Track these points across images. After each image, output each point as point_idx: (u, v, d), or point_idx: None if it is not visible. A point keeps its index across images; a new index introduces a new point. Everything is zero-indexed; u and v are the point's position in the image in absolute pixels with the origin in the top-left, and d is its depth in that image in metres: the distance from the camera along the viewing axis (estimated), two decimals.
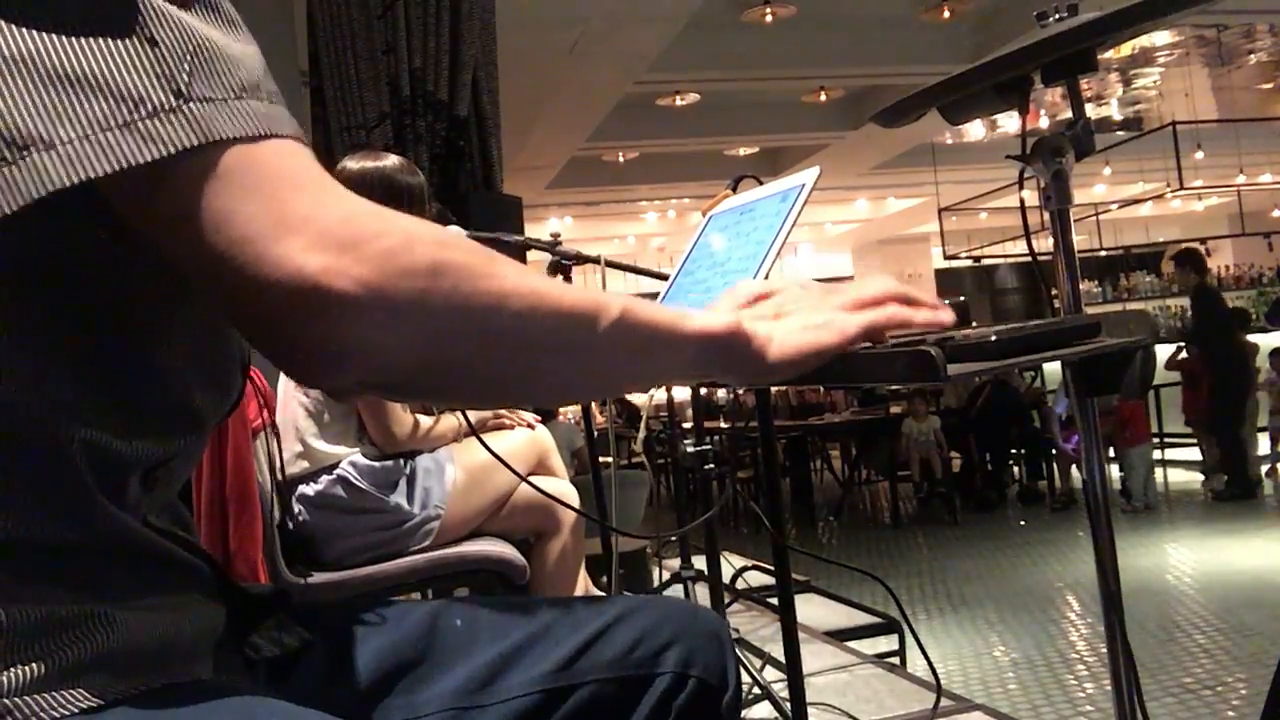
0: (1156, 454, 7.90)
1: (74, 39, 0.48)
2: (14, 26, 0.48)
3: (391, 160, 1.96)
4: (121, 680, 0.53)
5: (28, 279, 0.53)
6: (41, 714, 0.49)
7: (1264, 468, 7.46)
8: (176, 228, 0.49)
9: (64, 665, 0.51)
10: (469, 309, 0.53)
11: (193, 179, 0.49)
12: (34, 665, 0.50)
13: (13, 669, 0.50)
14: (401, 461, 1.92)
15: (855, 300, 0.72)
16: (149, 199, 0.49)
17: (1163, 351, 7.41)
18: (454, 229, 2.13)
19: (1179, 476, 7.95)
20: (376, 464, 1.89)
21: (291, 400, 1.92)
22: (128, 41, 0.48)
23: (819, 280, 0.81)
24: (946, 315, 0.73)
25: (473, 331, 0.54)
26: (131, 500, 0.58)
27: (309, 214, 0.50)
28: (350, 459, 1.88)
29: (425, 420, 1.97)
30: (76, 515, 0.54)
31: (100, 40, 0.48)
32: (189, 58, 0.50)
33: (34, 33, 0.48)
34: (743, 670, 2.14)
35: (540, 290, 0.56)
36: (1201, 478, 7.33)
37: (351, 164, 1.94)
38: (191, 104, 0.49)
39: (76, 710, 0.50)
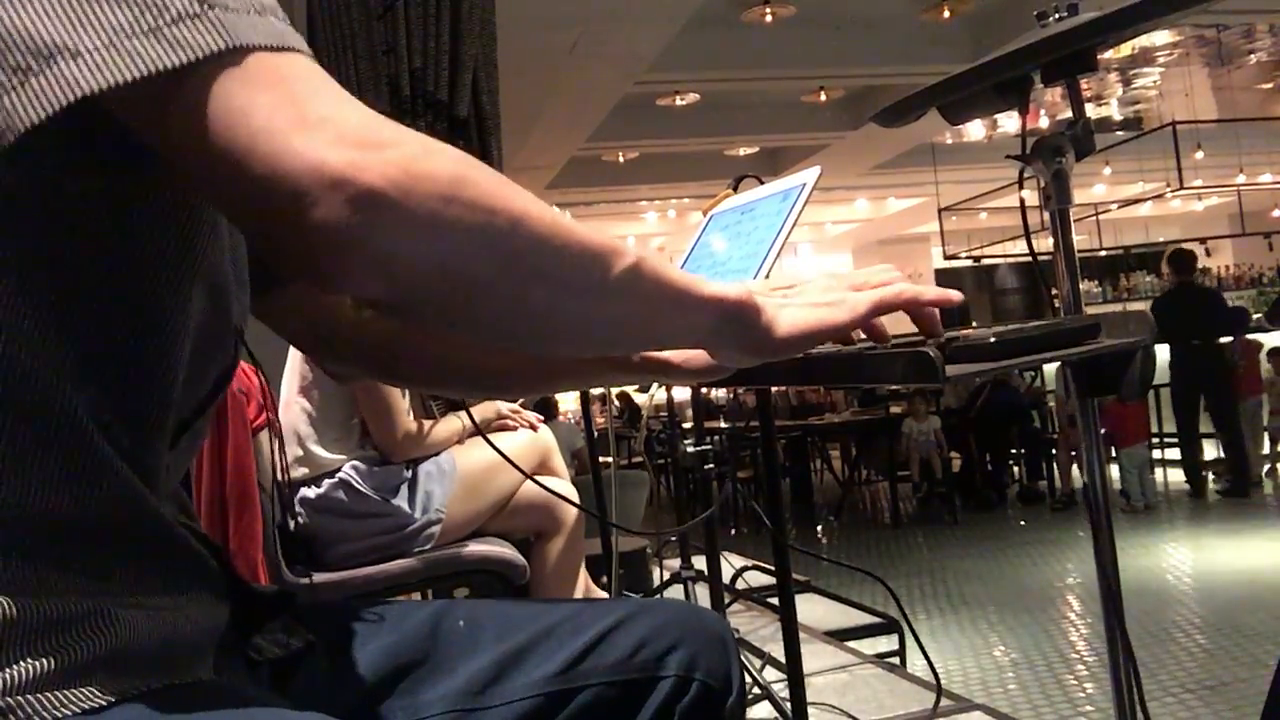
0: (1156, 454, 7.90)
1: None
2: None
3: None
4: (124, 679, 0.53)
5: (26, 243, 0.53)
6: (44, 713, 0.49)
7: (1264, 468, 7.46)
8: (195, 131, 0.48)
9: (68, 663, 0.51)
10: (490, 223, 0.52)
11: (216, 82, 0.48)
12: (40, 662, 0.50)
13: (16, 665, 0.50)
14: (403, 465, 1.92)
15: (864, 282, 0.72)
16: (169, 105, 0.49)
17: (1163, 352, 7.42)
18: None
19: (1179, 476, 7.95)
20: (378, 467, 1.89)
21: (293, 405, 1.92)
22: None
23: None
24: (955, 294, 0.73)
25: (492, 246, 0.53)
26: (151, 473, 0.58)
27: (330, 113, 0.49)
28: (352, 463, 1.88)
29: (427, 424, 1.97)
30: (96, 487, 0.54)
31: None
32: None
33: None
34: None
35: (559, 221, 0.56)
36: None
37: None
38: (215, 10, 0.49)
39: (78, 710, 0.50)
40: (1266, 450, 7.60)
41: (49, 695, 0.50)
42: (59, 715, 0.50)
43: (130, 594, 0.55)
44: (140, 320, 0.57)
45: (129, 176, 0.55)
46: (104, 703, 0.51)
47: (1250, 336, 7.58)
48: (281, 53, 0.50)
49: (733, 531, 7.31)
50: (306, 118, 0.48)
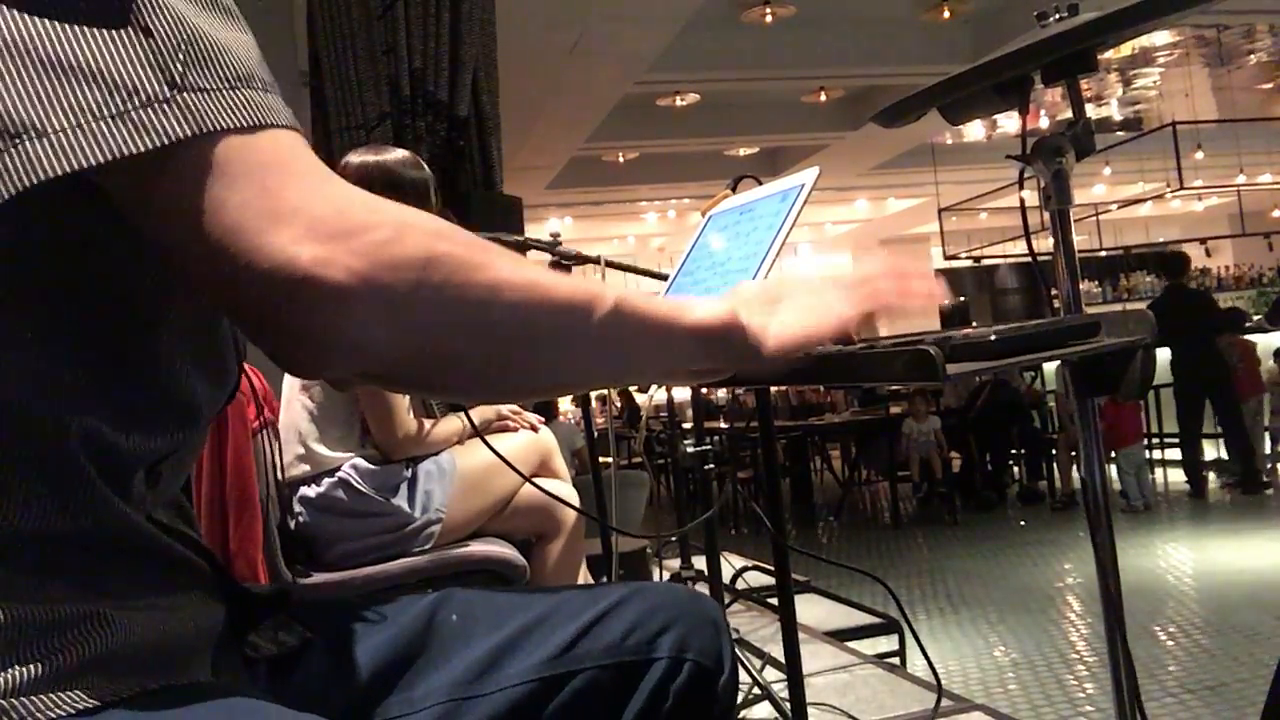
0: (1156, 454, 7.90)
1: (68, 27, 0.48)
2: (9, 12, 0.47)
3: (395, 154, 1.94)
4: (118, 681, 0.53)
5: (24, 268, 0.53)
6: (37, 714, 0.49)
7: (1265, 467, 7.46)
8: (170, 217, 0.49)
9: (62, 666, 0.51)
10: (462, 301, 0.53)
11: (186, 169, 0.48)
12: (32, 666, 0.50)
13: (11, 669, 0.50)
14: (403, 464, 1.91)
15: (851, 283, 0.72)
16: (143, 188, 0.49)
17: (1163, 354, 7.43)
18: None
19: (1178, 476, 7.95)
20: (378, 467, 1.89)
21: (294, 403, 1.92)
22: (122, 31, 0.48)
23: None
24: (941, 289, 0.74)
25: (466, 323, 0.53)
26: (136, 495, 0.58)
27: (301, 204, 0.49)
28: (352, 462, 1.88)
29: (428, 423, 1.96)
30: (81, 507, 0.54)
31: (95, 29, 0.48)
32: (184, 48, 0.50)
33: (29, 19, 0.47)
34: (742, 670, 2.14)
35: (534, 281, 0.56)
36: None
37: (354, 158, 1.93)
38: (185, 94, 0.49)
39: (72, 711, 0.50)
40: (1268, 450, 7.60)
41: (42, 698, 0.50)
42: (52, 717, 0.50)
43: (123, 598, 0.55)
44: (138, 345, 0.57)
45: (118, 226, 0.54)
46: (97, 704, 0.51)
47: (1246, 337, 7.58)
48: (258, 132, 0.50)
49: (733, 531, 7.31)
50: (278, 211, 0.49)
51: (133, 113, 0.47)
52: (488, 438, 2.01)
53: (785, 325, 0.68)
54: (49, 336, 0.53)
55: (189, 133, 0.48)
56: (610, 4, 5.43)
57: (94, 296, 0.55)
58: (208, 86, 0.49)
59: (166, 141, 0.48)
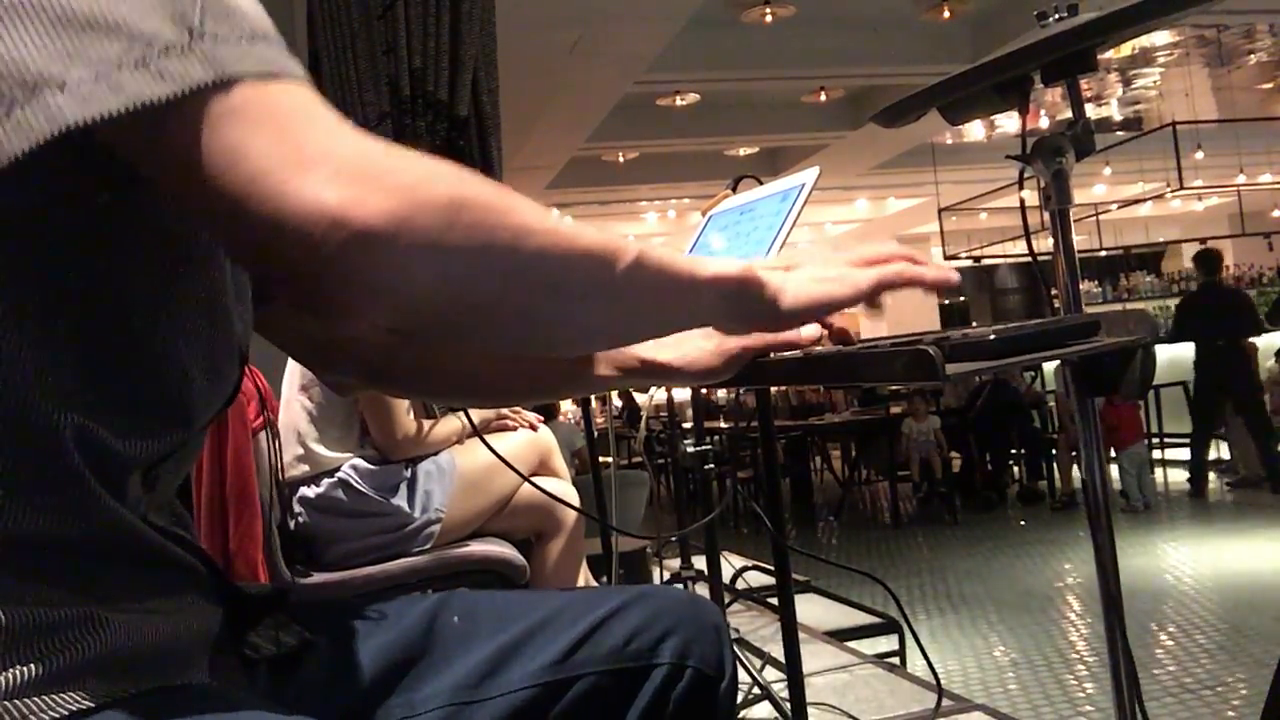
0: (1156, 454, 7.90)
1: None
2: None
3: None
4: (113, 683, 0.53)
5: (21, 263, 0.52)
6: (30, 717, 0.49)
7: None
8: (189, 168, 0.48)
9: (57, 668, 0.51)
10: (492, 243, 0.52)
11: (206, 116, 0.48)
12: (28, 667, 0.50)
13: (6, 671, 0.50)
14: (403, 464, 1.91)
15: (864, 258, 0.72)
16: (161, 139, 0.48)
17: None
18: None
19: (1178, 476, 7.95)
20: (377, 467, 1.89)
21: (294, 403, 1.92)
22: None
23: None
24: (954, 275, 0.74)
25: (496, 266, 0.53)
26: (132, 497, 0.58)
27: (326, 148, 0.49)
28: (351, 462, 1.88)
29: (427, 424, 1.96)
30: (76, 510, 0.54)
31: None
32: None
33: None
34: (742, 670, 2.14)
35: (560, 229, 0.56)
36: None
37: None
38: (204, 42, 0.48)
39: (66, 713, 0.50)
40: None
41: (37, 700, 0.50)
42: (49, 718, 0.50)
43: (118, 600, 0.55)
44: (135, 345, 0.57)
45: (124, 203, 0.54)
46: (92, 705, 0.51)
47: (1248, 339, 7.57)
48: (273, 81, 0.50)
49: (733, 531, 7.31)
50: (302, 155, 0.48)
51: (151, 61, 0.47)
52: (487, 437, 2.01)
53: (802, 285, 0.68)
54: (45, 337, 0.53)
55: (210, 79, 0.48)
56: (610, 4, 5.43)
57: (91, 297, 0.55)
58: (226, 35, 0.49)
59: (188, 88, 0.47)
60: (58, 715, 0.50)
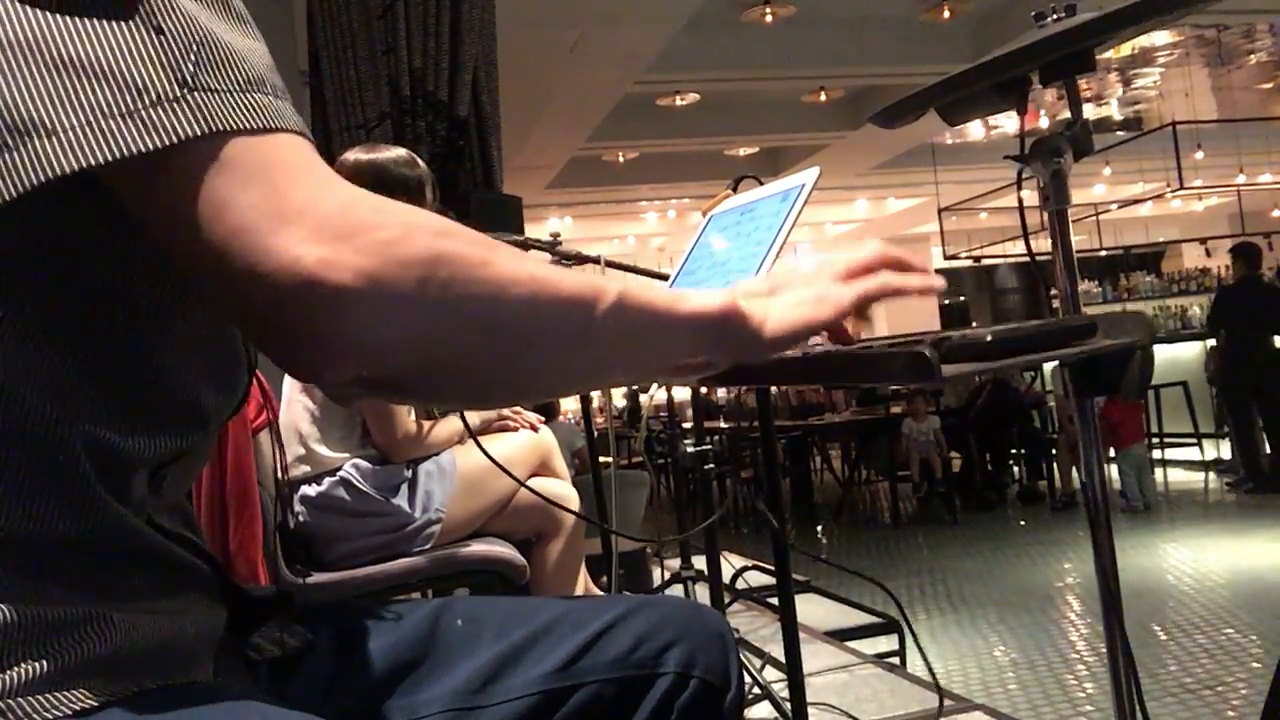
0: (1156, 454, 7.90)
1: (80, 24, 0.48)
2: (20, 10, 0.47)
3: (389, 152, 1.94)
4: (118, 682, 0.53)
5: (29, 271, 0.53)
6: (34, 715, 0.49)
7: None
8: (176, 218, 0.49)
9: (62, 667, 0.51)
10: (469, 298, 0.53)
11: (194, 169, 0.48)
12: (33, 665, 0.50)
13: (13, 669, 0.50)
14: (403, 464, 1.92)
15: (848, 270, 0.72)
16: (150, 187, 0.49)
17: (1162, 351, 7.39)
18: None
19: (1178, 476, 7.95)
20: (378, 466, 1.89)
21: (295, 403, 1.92)
22: (133, 30, 0.48)
23: None
24: (938, 282, 0.74)
25: (472, 321, 0.53)
26: (136, 498, 0.58)
27: (306, 205, 0.49)
28: (353, 461, 1.88)
29: (428, 425, 1.96)
30: (79, 511, 0.54)
31: (106, 26, 0.48)
32: (194, 48, 0.50)
33: (40, 16, 0.47)
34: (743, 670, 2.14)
35: (539, 277, 0.56)
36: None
37: (349, 156, 1.93)
38: (196, 94, 0.49)
39: (70, 712, 0.50)
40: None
41: (42, 698, 0.50)
42: (51, 716, 0.50)
43: (122, 600, 0.55)
44: (142, 353, 0.57)
45: (125, 229, 0.54)
46: (96, 704, 0.51)
47: None
48: (265, 135, 0.50)
49: (733, 531, 7.31)
50: (285, 211, 0.49)
51: (142, 111, 0.47)
52: (489, 437, 2.01)
53: (784, 313, 0.68)
54: (52, 339, 0.53)
55: (198, 132, 0.48)
56: (610, 4, 5.43)
57: (99, 302, 0.55)
58: (218, 87, 0.49)
59: (175, 140, 0.48)
60: (62, 714, 0.50)
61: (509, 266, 0.55)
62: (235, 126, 0.49)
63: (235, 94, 0.50)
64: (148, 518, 0.60)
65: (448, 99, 3.52)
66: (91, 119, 0.47)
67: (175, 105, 0.48)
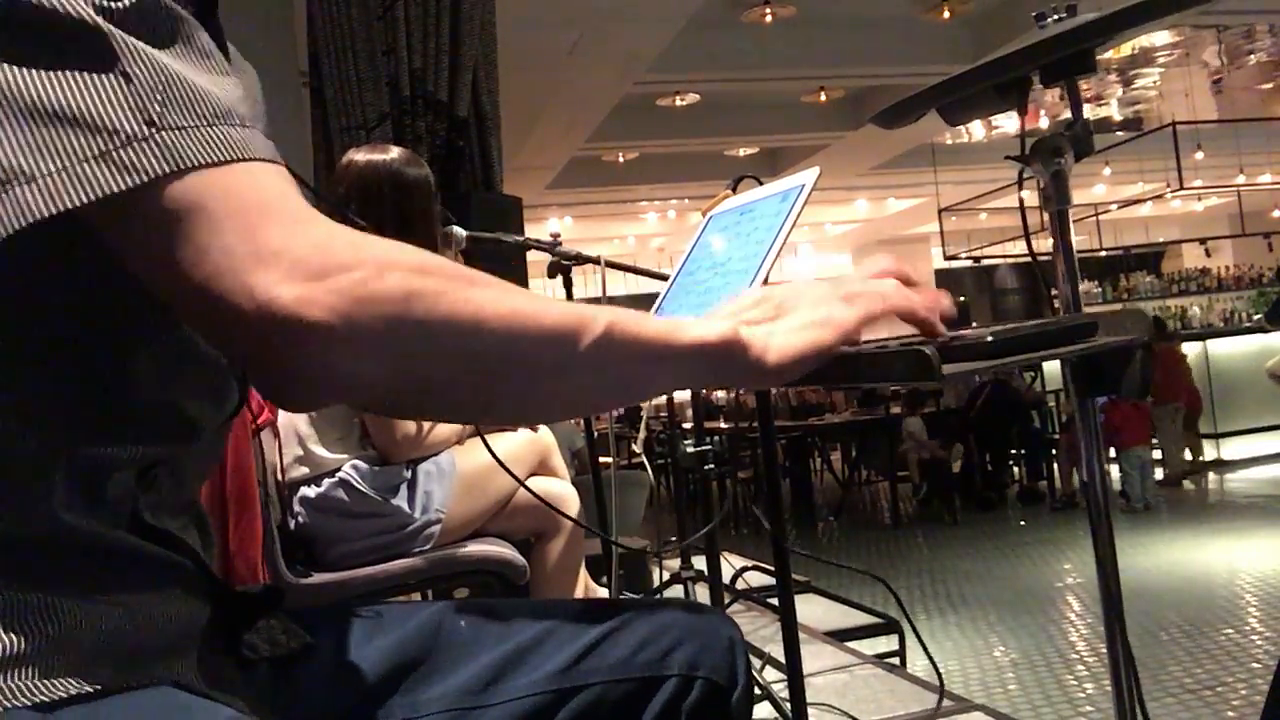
0: (1157, 454, 7.91)
1: (54, 77, 0.50)
2: None
3: (396, 153, 1.94)
4: (82, 675, 0.53)
5: (7, 288, 0.54)
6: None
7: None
8: (155, 259, 0.51)
9: (20, 655, 0.51)
10: (445, 333, 0.54)
11: (166, 207, 0.50)
12: None
13: None
14: (403, 465, 1.91)
15: (852, 292, 0.71)
16: (129, 228, 0.51)
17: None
18: (455, 229, 2.13)
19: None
20: (378, 467, 1.89)
21: None
22: (104, 77, 0.50)
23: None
24: (946, 301, 0.72)
25: (450, 354, 0.55)
26: (115, 499, 0.58)
27: (282, 245, 0.51)
28: (352, 462, 1.88)
29: (427, 425, 1.96)
30: (34, 516, 0.55)
31: (78, 77, 0.50)
32: (160, 90, 0.51)
33: (15, 70, 0.49)
34: None
35: (520, 310, 0.56)
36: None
37: (358, 157, 1.93)
38: (163, 133, 0.50)
39: (27, 704, 0.50)
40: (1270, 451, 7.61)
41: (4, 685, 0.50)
42: (10, 706, 0.50)
43: (86, 594, 0.55)
44: (113, 365, 0.58)
45: (104, 253, 0.55)
46: (61, 695, 0.51)
47: (1248, 337, 7.55)
48: (233, 166, 0.52)
49: (733, 531, 7.32)
50: (260, 253, 0.50)
51: (114, 152, 0.49)
52: (486, 437, 2.01)
53: (786, 340, 0.66)
54: (25, 354, 0.55)
55: (166, 169, 0.50)
56: (610, 4, 5.43)
57: (74, 317, 0.57)
58: (184, 124, 0.51)
59: (145, 179, 0.49)
60: (24, 703, 0.50)
61: (488, 301, 0.55)
62: (203, 160, 0.51)
63: (201, 129, 0.52)
64: (133, 516, 0.60)
65: (448, 99, 3.52)
66: (68, 164, 0.49)
67: (144, 145, 0.50)
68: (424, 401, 0.58)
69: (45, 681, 0.51)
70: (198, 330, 0.56)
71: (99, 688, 0.53)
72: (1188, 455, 7.91)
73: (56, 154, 0.49)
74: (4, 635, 0.51)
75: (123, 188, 0.49)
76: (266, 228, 0.51)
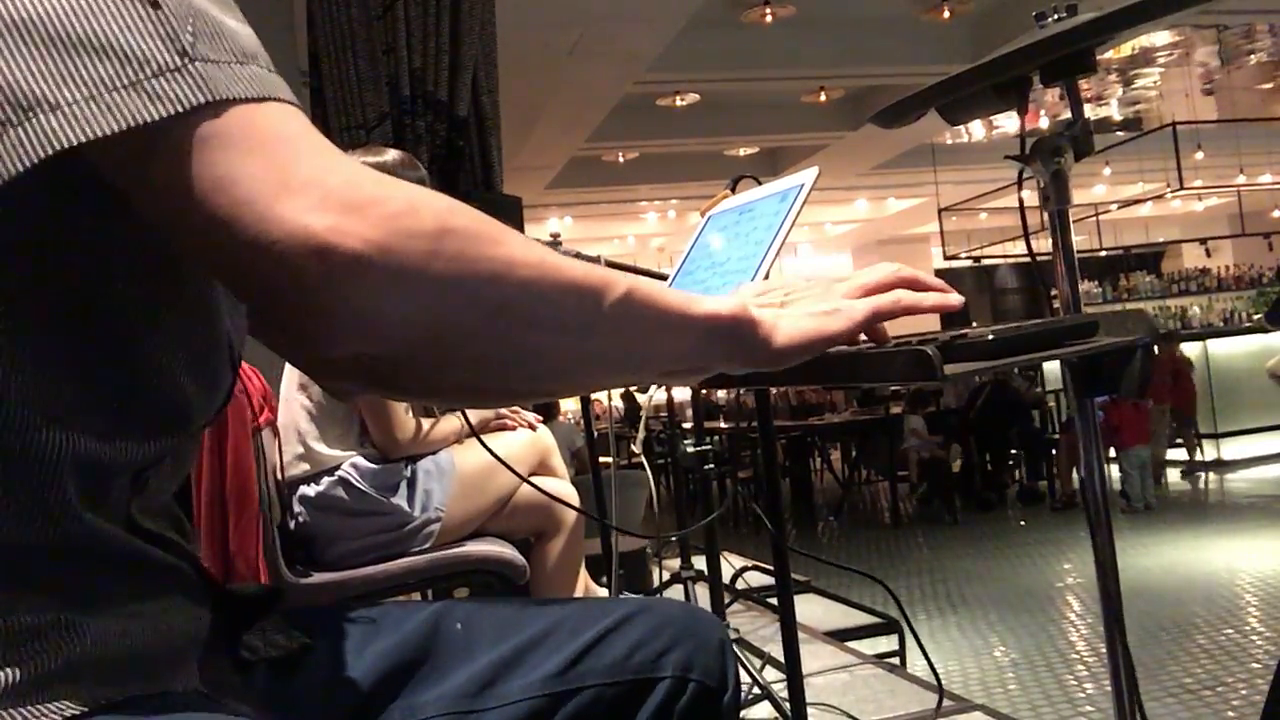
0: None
1: (77, 2, 0.47)
2: None
3: (392, 155, 1.94)
4: (92, 690, 0.52)
5: (11, 265, 0.52)
6: None
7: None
8: (177, 190, 0.48)
9: (34, 675, 0.50)
10: (475, 274, 0.52)
11: (197, 139, 0.48)
12: (3, 674, 0.49)
13: None
14: (402, 463, 1.91)
15: (861, 286, 0.71)
16: (150, 161, 0.49)
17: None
18: None
19: (1179, 476, 7.96)
20: (377, 466, 1.89)
21: (293, 402, 1.92)
22: (130, 4, 0.48)
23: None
24: (955, 299, 0.73)
25: (477, 298, 0.53)
26: (115, 502, 0.57)
27: (313, 176, 0.49)
28: (352, 460, 1.88)
29: (427, 423, 1.96)
30: (46, 518, 0.53)
31: (103, 3, 0.48)
32: (191, 20, 0.50)
33: None
34: (742, 670, 2.14)
35: (547, 261, 0.55)
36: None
37: (355, 159, 1.93)
38: (196, 64, 0.49)
39: None
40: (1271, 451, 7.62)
41: (15, 711, 0.49)
42: None
43: (94, 605, 0.54)
44: (123, 351, 0.57)
45: (115, 221, 0.54)
46: (75, 713, 0.50)
47: (1249, 337, 7.56)
48: (264, 104, 0.50)
49: (733, 531, 7.32)
50: (289, 183, 0.48)
51: (145, 82, 0.47)
52: (487, 436, 2.01)
53: (795, 323, 0.67)
54: (30, 340, 0.53)
55: (203, 100, 0.48)
56: (610, 4, 5.43)
57: (77, 300, 0.55)
58: (217, 58, 0.49)
59: (181, 109, 0.47)
60: None
61: (517, 246, 0.54)
62: (237, 95, 0.49)
63: (234, 64, 0.50)
64: (128, 519, 0.59)
65: (448, 99, 3.51)
66: (95, 93, 0.46)
67: (178, 75, 0.48)
68: (443, 356, 0.54)
69: (53, 704, 0.50)
70: (210, 268, 0.53)
71: (115, 700, 0.52)
72: (1170, 455, 7.90)
73: (83, 82, 0.46)
74: (14, 659, 0.50)
75: (156, 117, 0.47)
76: (297, 159, 0.49)
